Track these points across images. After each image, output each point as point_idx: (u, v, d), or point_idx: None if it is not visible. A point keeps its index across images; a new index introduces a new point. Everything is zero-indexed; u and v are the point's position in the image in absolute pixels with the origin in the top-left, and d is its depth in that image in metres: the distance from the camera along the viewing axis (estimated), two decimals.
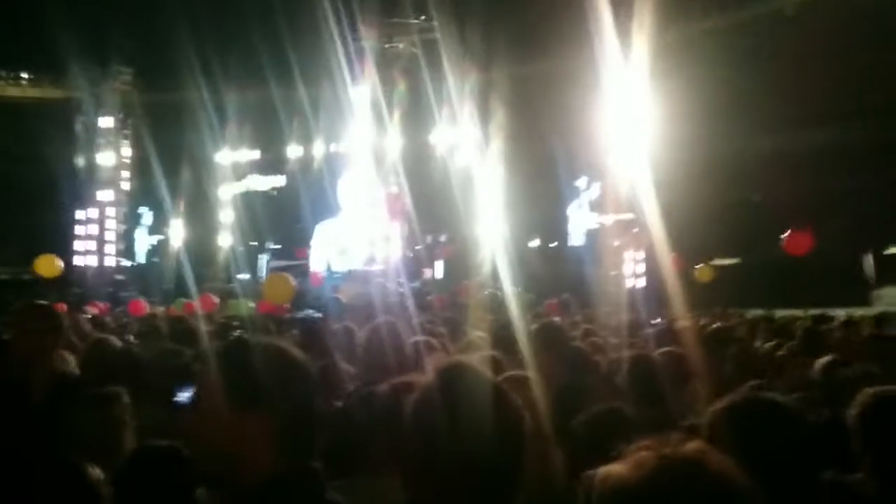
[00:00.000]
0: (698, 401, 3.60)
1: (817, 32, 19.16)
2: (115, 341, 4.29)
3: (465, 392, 1.66)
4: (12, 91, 29.28)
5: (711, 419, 1.96)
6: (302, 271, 24.11)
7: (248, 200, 28.28)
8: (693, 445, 1.28)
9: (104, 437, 2.85)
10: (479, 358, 2.95)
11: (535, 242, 23.23)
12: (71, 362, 4.17)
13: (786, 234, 15.04)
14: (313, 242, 26.63)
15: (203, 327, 7.68)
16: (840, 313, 12.50)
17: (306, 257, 24.53)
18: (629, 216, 19.94)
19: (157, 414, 3.34)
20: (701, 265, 16.66)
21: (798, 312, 13.53)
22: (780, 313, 14.15)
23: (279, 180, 28.70)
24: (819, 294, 16.28)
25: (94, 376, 3.69)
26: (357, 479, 2.71)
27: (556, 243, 24.77)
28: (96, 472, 2.33)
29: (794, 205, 19.24)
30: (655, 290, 15.02)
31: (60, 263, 11.75)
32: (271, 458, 1.69)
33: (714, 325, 6.41)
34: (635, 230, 20.08)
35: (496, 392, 1.71)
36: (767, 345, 7.33)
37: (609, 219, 21.50)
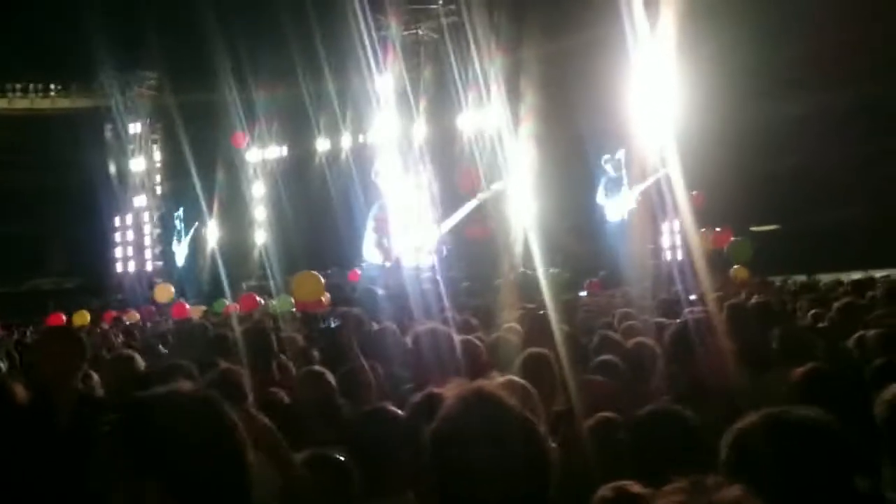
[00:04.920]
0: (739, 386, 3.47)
1: None
2: (138, 358, 4.25)
3: (485, 425, 1.55)
4: (42, 103, 29.63)
5: (734, 440, 1.84)
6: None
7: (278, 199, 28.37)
8: (730, 494, 1.14)
9: None
10: (502, 382, 2.81)
11: (569, 220, 23.03)
12: (96, 381, 4.15)
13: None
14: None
15: (238, 329, 7.62)
16: (885, 274, 12.30)
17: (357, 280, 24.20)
18: (657, 186, 19.71)
19: None
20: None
21: (842, 276, 13.31)
22: (825, 277, 13.93)
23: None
24: (863, 256, 15.99)
25: (117, 397, 3.67)
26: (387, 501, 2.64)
27: (590, 220, 24.51)
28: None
29: (830, 167, 18.91)
30: (693, 262, 14.82)
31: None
32: None
33: (754, 302, 6.24)
34: (668, 201, 19.84)
35: (519, 423, 1.60)
36: (809, 314, 7.20)
37: (640, 192, 21.23)
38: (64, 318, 17.77)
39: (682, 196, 15.47)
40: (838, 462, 1.80)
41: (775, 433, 1.82)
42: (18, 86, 29.35)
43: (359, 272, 22.47)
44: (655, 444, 2.42)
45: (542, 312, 6.46)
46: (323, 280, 12.71)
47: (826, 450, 1.80)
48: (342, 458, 2.74)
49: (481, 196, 22.07)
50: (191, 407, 1.50)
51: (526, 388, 2.83)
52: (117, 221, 29.41)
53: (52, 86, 29.62)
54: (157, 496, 1.41)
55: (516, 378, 3.14)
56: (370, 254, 24.79)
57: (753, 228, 21.06)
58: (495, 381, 2.25)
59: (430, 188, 23.94)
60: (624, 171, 21.89)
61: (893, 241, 16.87)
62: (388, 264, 22.82)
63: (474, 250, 23.14)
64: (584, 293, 16.55)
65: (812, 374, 3.52)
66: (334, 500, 2.63)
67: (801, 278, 14.54)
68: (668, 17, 17.99)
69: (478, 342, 4.86)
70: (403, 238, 23.73)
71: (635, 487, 2.04)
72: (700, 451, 1.89)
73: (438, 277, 18.52)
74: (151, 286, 27.44)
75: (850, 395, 3.25)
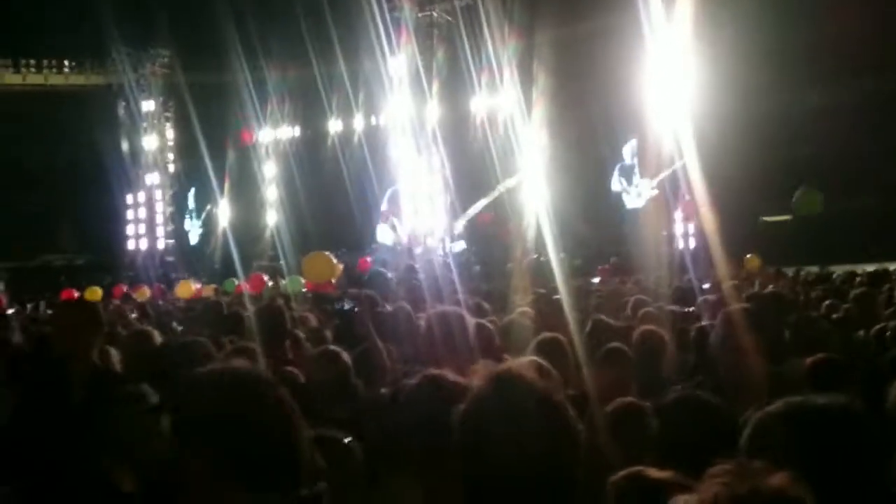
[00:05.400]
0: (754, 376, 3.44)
1: None
2: (156, 334, 4.26)
3: (516, 406, 1.55)
4: (56, 79, 29.65)
5: (759, 426, 1.82)
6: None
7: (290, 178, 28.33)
8: (776, 480, 1.12)
9: (136, 437, 2.81)
10: (528, 363, 2.79)
11: (582, 206, 22.93)
12: (114, 356, 4.15)
13: None
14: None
15: (250, 309, 7.63)
16: None
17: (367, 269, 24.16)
18: (672, 173, 19.64)
19: None
20: (750, 255, 16.63)
21: (856, 268, 13.22)
22: (837, 269, 13.84)
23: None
24: (876, 247, 15.90)
25: (133, 372, 3.67)
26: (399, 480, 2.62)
27: (603, 206, 24.38)
28: (128, 481, 2.28)
29: (845, 157, 18.80)
30: (706, 251, 14.76)
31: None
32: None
33: (769, 290, 6.21)
34: (682, 189, 19.76)
35: (548, 404, 1.59)
36: (823, 305, 7.15)
37: (655, 181, 21.16)
38: (76, 293, 17.84)
39: (697, 184, 15.40)
40: (861, 451, 1.77)
41: (797, 421, 1.79)
42: (32, 62, 29.37)
43: (368, 260, 22.38)
44: (685, 430, 2.40)
45: (556, 298, 6.46)
46: (335, 261, 12.64)
47: (849, 438, 1.77)
48: (347, 440, 2.73)
49: (498, 188, 21.99)
50: (247, 385, 1.52)
51: (548, 370, 2.81)
52: (129, 199, 29.49)
53: (66, 62, 29.63)
54: (211, 472, 1.43)
55: (537, 359, 3.13)
56: (384, 237, 24.77)
57: (765, 218, 20.97)
58: (519, 361, 2.23)
59: (442, 171, 23.85)
60: (638, 159, 21.79)
61: None
62: (399, 247, 22.82)
63: (486, 235, 23.13)
64: (596, 279, 16.51)
65: (822, 363, 3.50)
66: (336, 482, 2.61)
67: (814, 269, 14.47)
68: (685, 3, 17.85)
69: (490, 326, 4.85)
70: (415, 221, 23.69)
71: (655, 473, 2.01)
72: (728, 440, 1.87)
73: (450, 261, 18.52)
74: (163, 265, 27.54)
75: (860, 386, 3.23)
